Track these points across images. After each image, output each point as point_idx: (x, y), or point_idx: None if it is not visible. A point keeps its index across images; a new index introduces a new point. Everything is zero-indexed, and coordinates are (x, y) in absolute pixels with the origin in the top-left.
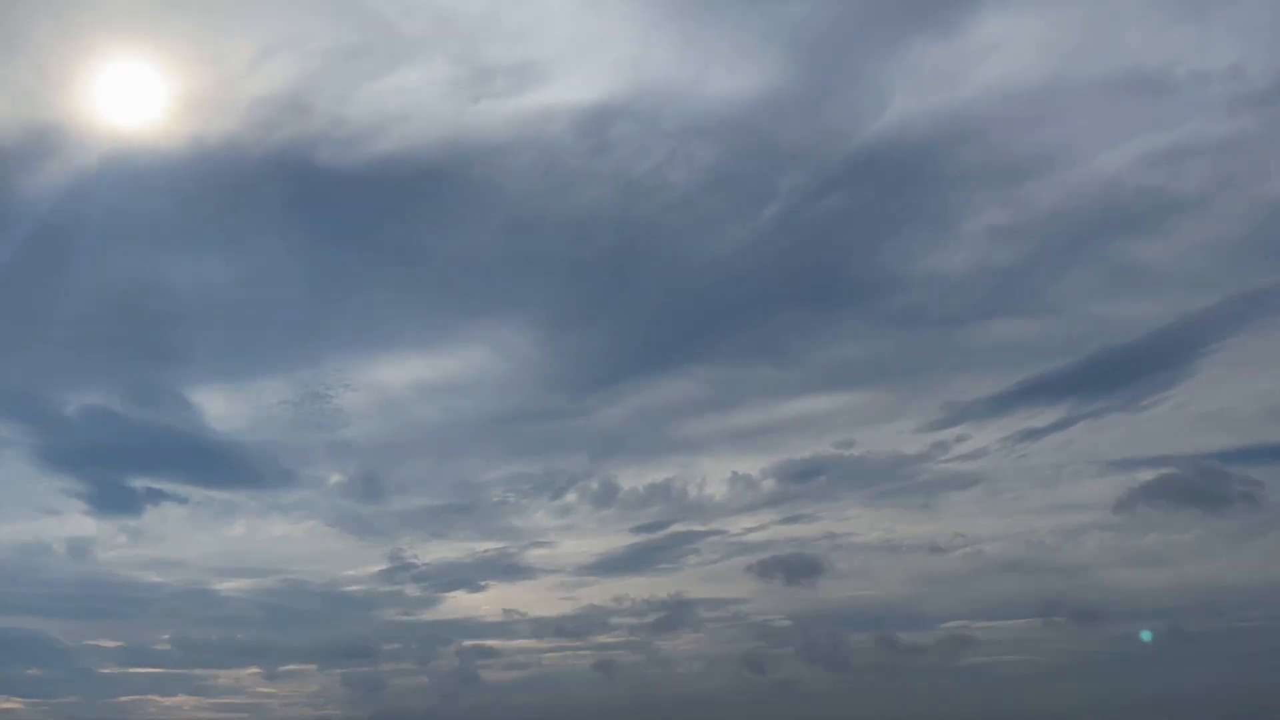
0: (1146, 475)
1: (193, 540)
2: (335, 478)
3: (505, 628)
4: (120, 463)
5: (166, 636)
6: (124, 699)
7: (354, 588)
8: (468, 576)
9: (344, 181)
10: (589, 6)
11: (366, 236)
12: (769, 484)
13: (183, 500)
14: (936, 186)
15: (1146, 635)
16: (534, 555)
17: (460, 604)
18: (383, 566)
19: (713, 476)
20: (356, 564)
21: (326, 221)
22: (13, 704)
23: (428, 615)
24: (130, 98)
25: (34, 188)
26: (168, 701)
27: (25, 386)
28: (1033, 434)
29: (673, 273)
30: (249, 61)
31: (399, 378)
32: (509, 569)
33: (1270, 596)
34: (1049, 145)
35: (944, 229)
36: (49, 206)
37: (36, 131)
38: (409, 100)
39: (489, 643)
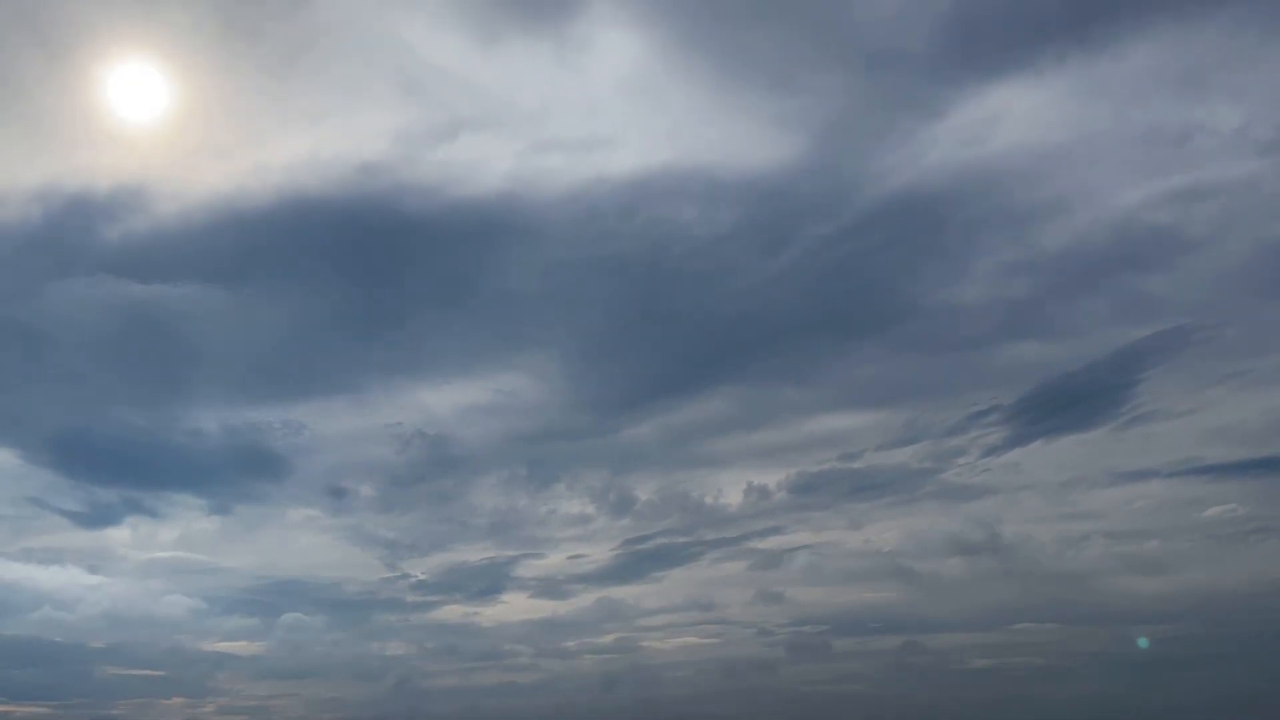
0: (1144, 485)
1: (225, 548)
2: (369, 491)
3: (511, 632)
4: (165, 474)
5: (173, 640)
6: (123, 702)
7: (365, 595)
8: (478, 584)
9: (406, 231)
10: (633, 95)
11: (420, 278)
12: (781, 495)
13: (223, 510)
14: (952, 232)
15: (1143, 642)
16: (544, 562)
17: (468, 611)
18: (394, 574)
19: (729, 488)
20: (368, 571)
21: (386, 264)
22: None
23: (434, 621)
24: (220, 159)
25: (122, 232)
26: (167, 703)
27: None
28: (1031, 448)
29: (700, 307)
30: (333, 132)
31: (444, 401)
32: (521, 577)
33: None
34: (1058, 195)
35: (959, 266)
36: (136, 248)
37: (134, 184)
38: (470, 167)
39: (492, 647)
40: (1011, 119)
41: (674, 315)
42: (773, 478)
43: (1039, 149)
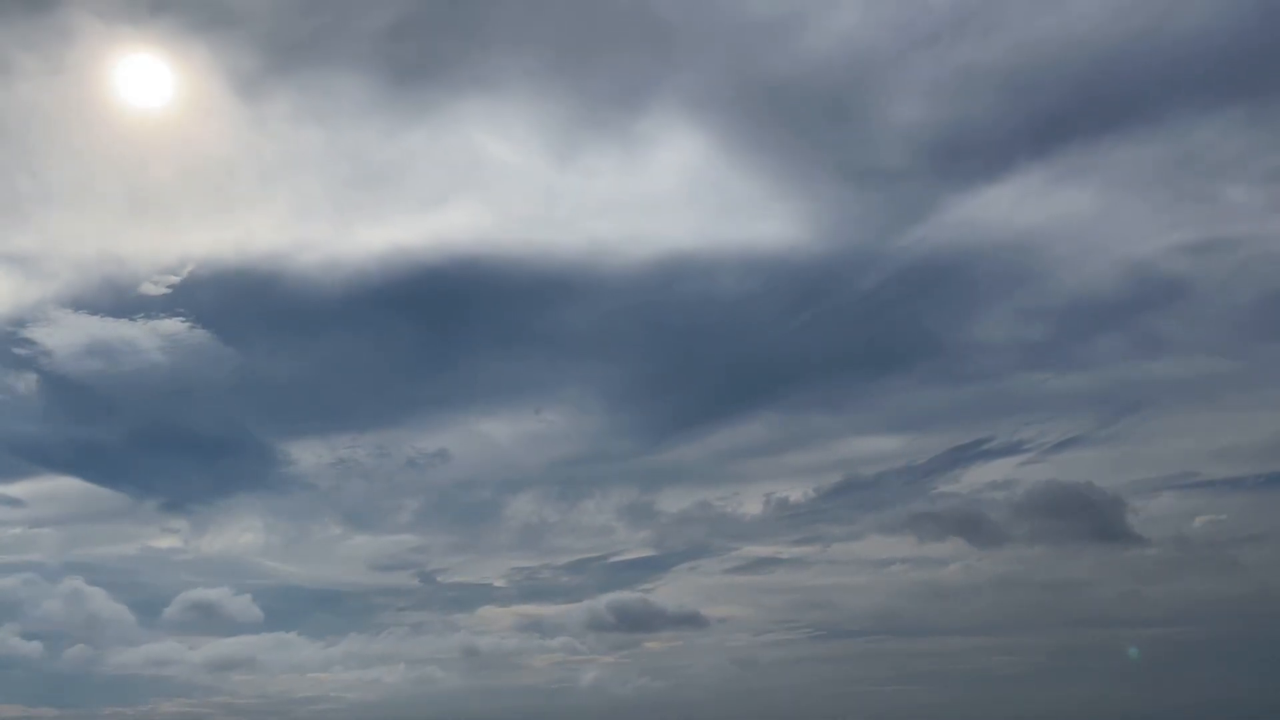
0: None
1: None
2: (411, 508)
3: (518, 633)
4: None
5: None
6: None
7: (368, 598)
8: (489, 589)
9: (478, 297)
10: (683, 184)
11: (485, 332)
12: (796, 508)
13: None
14: (973, 283)
15: (1134, 653)
16: (555, 567)
17: (481, 614)
18: (401, 581)
19: (749, 502)
20: (376, 577)
21: (457, 321)
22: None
23: (443, 623)
24: (332, 241)
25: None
26: (168, 702)
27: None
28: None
29: (736, 346)
30: (424, 227)
31: (500, 430)
32: (535, 583)
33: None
34: (1070, 254)
35: (978, 310)
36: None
37: (268, 255)
38: (542, 248)
39: (498, 649)
40: (1025, 201)
41: (711, 356)
42: (793, 492)
43: (1049, 222)
